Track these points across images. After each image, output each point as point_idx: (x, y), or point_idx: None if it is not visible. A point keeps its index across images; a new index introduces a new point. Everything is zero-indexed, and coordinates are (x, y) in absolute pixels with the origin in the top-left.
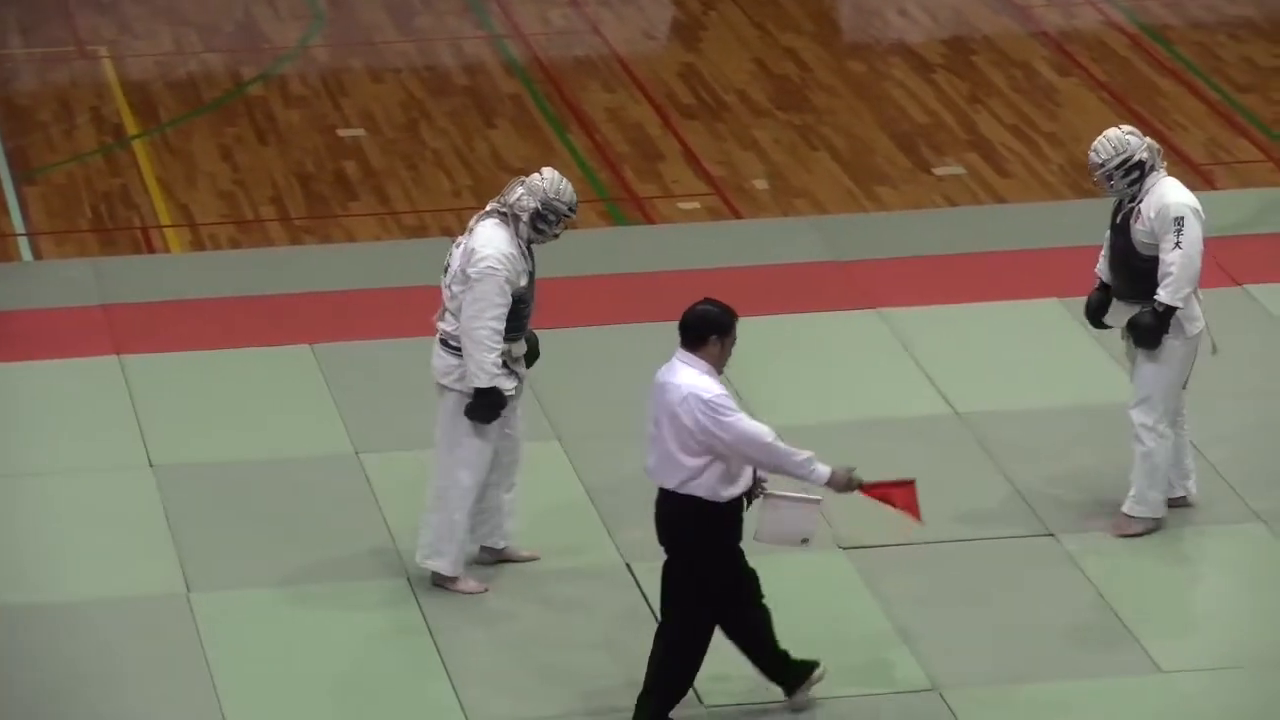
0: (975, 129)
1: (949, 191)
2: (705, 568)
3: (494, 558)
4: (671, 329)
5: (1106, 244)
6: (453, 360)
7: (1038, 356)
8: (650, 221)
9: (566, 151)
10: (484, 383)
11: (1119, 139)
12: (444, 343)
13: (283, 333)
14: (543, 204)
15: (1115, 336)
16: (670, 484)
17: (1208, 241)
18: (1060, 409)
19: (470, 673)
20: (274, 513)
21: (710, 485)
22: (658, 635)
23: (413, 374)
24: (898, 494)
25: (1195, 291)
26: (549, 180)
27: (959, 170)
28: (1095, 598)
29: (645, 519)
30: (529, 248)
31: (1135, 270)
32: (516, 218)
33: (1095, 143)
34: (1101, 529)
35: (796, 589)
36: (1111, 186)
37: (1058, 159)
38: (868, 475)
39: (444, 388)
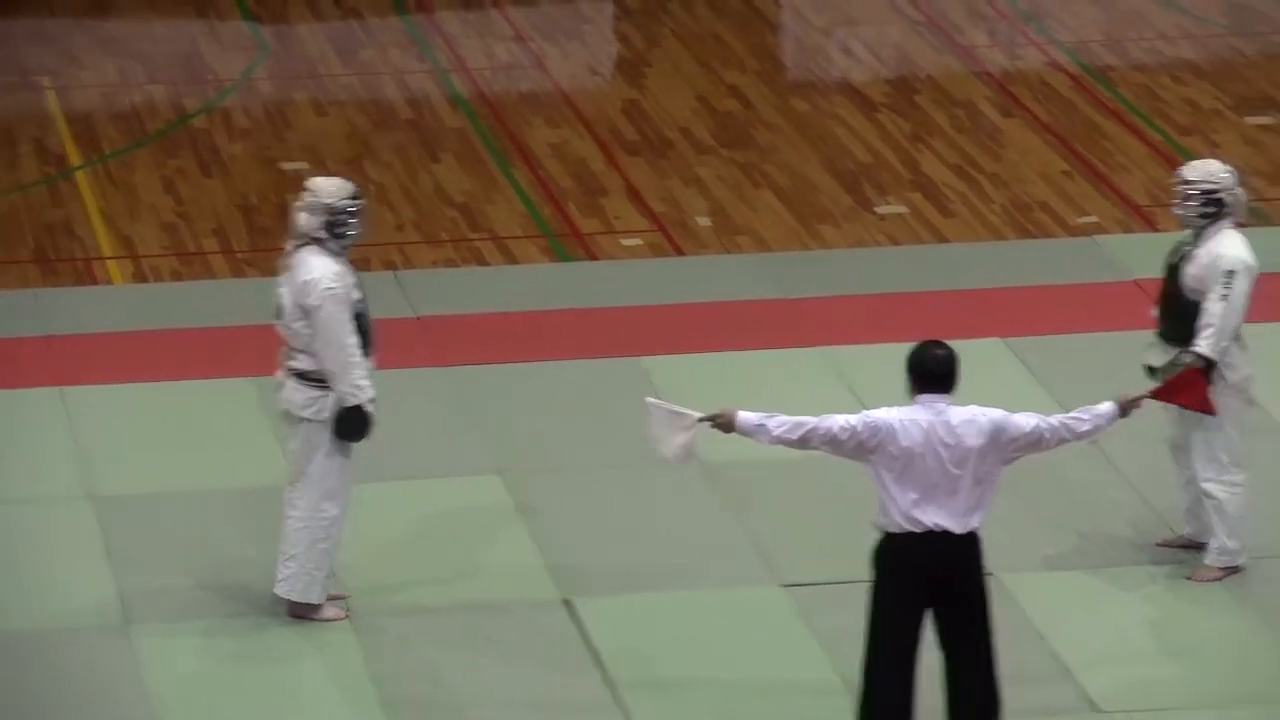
0: (918, 168)
1: (891, 230)
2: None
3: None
4: (613, 364)
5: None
6: (313, 393)
7: (979, 395)
8: (593, 257)
9: (510, 186)
10: (359, 399)
11: (1216, 171)
12: (300, 376)
13: (224, 365)
14: (328, 213)
15: (1060, 377)
16: (977, 524)
17: (1146, 282)
18: None
19: (402, 705)
20: (214, 545)
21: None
22: (970, 673)
23: None
24: (1185, 395)
25: (1239, 341)
26: (319, 188)
27: (901, 209)
28: (1034, 636)
29: (585, 555)
30: (348, 260)
31: (1179, 313)
32: (318, 240)
33: (1195, 162)
34: (1037, 567)
35: (733, 626)
36: (1184, 207)
37: (1000, 199)
38: (831, 513)
39: (302, 420)
